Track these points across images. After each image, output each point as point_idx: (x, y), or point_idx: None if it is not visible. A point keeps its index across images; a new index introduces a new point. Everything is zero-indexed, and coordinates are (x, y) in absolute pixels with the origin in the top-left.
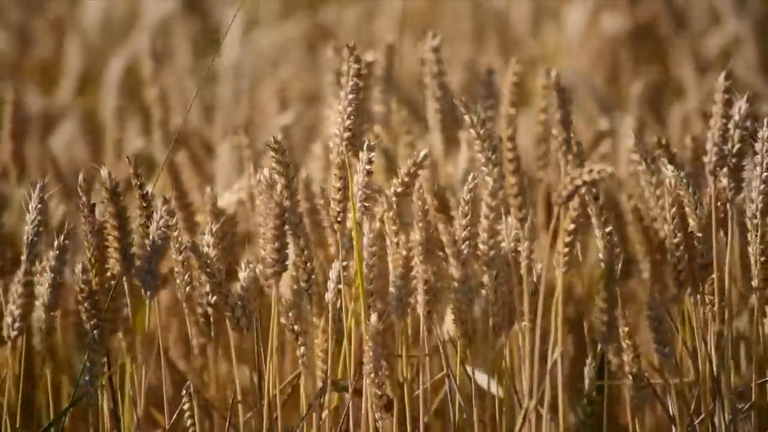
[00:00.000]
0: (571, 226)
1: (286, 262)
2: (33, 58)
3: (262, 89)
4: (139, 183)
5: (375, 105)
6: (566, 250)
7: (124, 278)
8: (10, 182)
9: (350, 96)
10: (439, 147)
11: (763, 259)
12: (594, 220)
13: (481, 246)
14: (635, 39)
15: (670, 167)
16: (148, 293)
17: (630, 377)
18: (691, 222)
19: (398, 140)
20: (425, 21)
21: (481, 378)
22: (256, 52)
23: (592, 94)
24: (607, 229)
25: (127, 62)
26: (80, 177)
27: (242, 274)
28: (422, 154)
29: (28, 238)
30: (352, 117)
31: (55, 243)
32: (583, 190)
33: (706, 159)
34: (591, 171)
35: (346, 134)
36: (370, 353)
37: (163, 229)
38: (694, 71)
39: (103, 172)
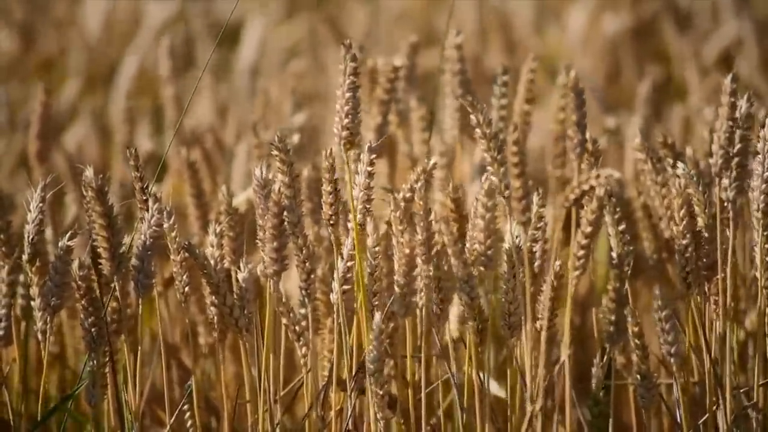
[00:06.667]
0: (588, 229)
1: (286, 262)
2: (38, 58)
3: (273, 88)
4: (139, 176)
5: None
6: (582, 252)
7: (115, 278)
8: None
9: (347, 94)
10: (455, 145)
11: None
12: (608, 218)
13: (477, 246)
14: (637, 39)
15: (681, 165)
16: (141, 293)
17: (639, 377)
18: (699, 221)
19: (415, 138)
20: (427, 20)
21: (494, 386)
22: (267, 50)
23: (594, 94)
24: (621, 227)
25: (141, 62)
26: (85, 175)
27: (241, 275)
28: (431, 162)
29: (29, 237)
30: (350, 116)
31: (60, 243)
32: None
33: (711, 161)
34: (599, 176)
35: (345, 133)
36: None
37: (154, 228)
38: (695, 71)
39: (89, 171)
